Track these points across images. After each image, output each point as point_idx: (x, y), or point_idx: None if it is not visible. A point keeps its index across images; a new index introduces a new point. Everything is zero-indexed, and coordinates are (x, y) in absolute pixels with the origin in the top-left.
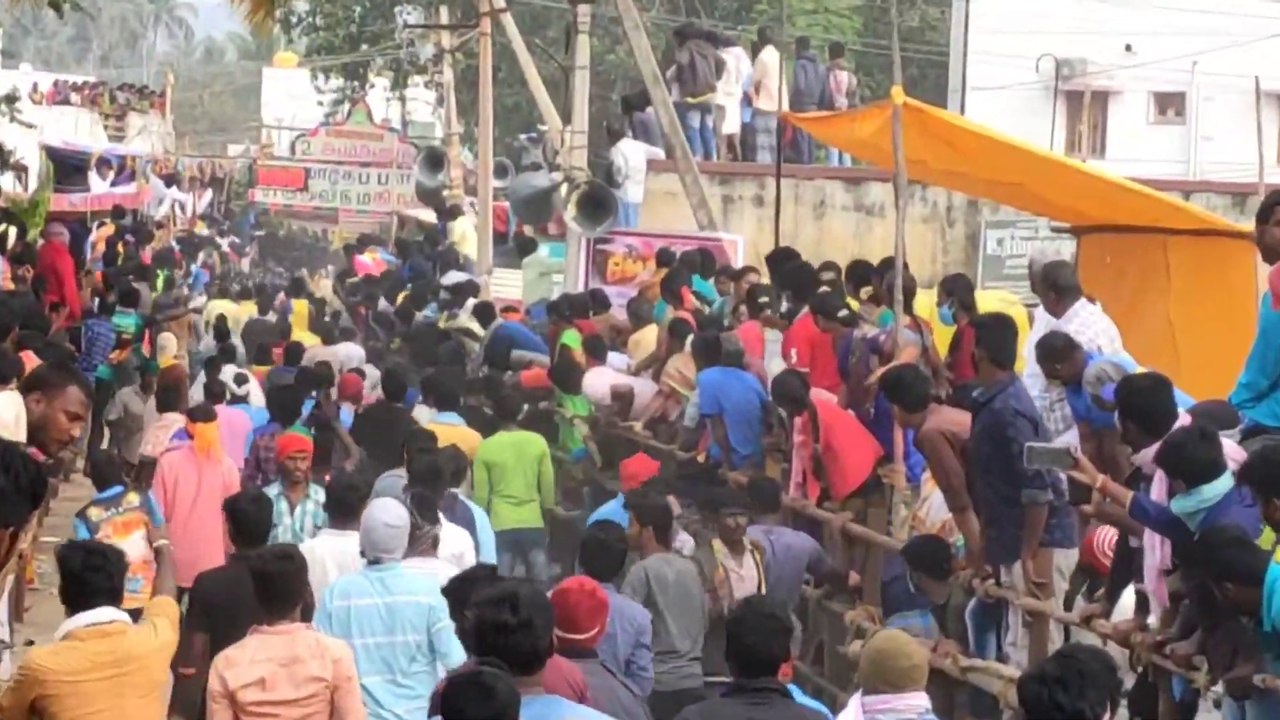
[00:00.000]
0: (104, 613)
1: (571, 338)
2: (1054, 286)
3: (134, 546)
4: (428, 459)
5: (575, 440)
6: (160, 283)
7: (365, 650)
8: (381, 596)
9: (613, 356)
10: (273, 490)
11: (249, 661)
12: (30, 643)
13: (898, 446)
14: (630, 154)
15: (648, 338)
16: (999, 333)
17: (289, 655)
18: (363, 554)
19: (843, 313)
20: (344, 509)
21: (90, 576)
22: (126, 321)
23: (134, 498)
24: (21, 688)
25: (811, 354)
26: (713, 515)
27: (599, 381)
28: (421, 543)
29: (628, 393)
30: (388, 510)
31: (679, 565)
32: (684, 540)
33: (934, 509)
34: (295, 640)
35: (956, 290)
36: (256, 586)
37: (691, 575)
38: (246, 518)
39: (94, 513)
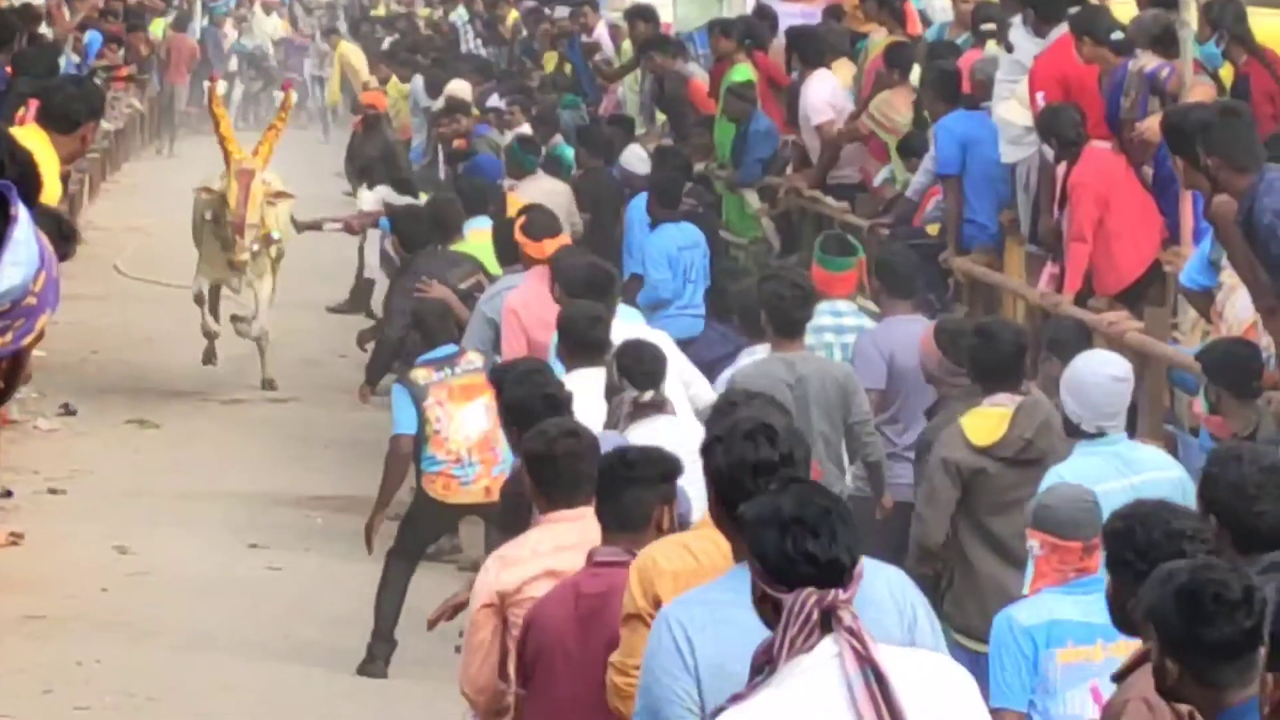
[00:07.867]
0: None
1: (744, 73)
2: None
3: (473, 419)
4: None
5: (744, 217)
6: None
7: None
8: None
9: None
10: None
11: (531, 556)
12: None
13: (1185, 221)
14: None
15: (844, 75)
16: None
17: (581, 539)
18: None
19: (1117, 35)
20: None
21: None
22: None
23: (476, 357)
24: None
25: (1065, 97)
26: None
27: (825, 87)
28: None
29: (834, 136)
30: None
31: None
32: None
33: (1241, 305)
34: (587, 524)
35: (1224, 20)
36: (536, 473)
37: None
38: None
39: (420, 374)
